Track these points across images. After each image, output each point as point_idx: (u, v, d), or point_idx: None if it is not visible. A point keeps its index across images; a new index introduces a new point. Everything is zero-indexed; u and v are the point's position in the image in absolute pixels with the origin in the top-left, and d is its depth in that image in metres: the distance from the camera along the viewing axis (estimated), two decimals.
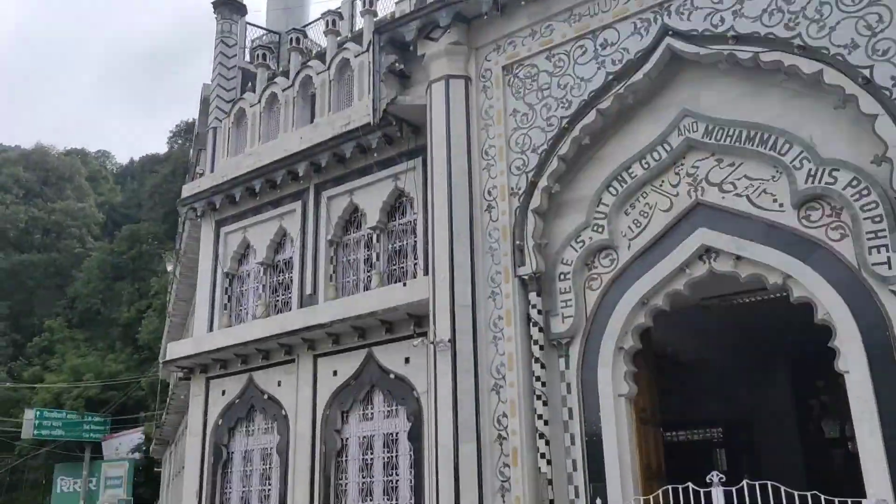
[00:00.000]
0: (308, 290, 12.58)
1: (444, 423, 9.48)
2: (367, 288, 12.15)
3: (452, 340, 9.70)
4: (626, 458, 8.82)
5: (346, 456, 11.48)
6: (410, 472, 10.68)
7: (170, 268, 26.12)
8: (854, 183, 7.74)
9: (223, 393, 13.26)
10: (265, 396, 12.63)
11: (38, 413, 50.12)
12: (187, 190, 14.72)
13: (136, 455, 50.20)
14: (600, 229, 9.42)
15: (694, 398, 13.51)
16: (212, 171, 14.73)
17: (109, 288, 66.56)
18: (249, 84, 15.51)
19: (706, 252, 8.74)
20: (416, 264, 11.64)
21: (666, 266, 8.94)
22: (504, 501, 9.07)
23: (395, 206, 12.22)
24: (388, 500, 10.83)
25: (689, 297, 9.18)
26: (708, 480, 7.38)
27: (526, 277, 9.70)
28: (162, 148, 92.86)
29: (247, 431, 13.01)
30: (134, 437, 51.51)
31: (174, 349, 13.80)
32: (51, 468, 53.54)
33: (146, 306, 55.57)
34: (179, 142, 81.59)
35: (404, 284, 10.90)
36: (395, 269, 12.01)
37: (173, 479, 21.96)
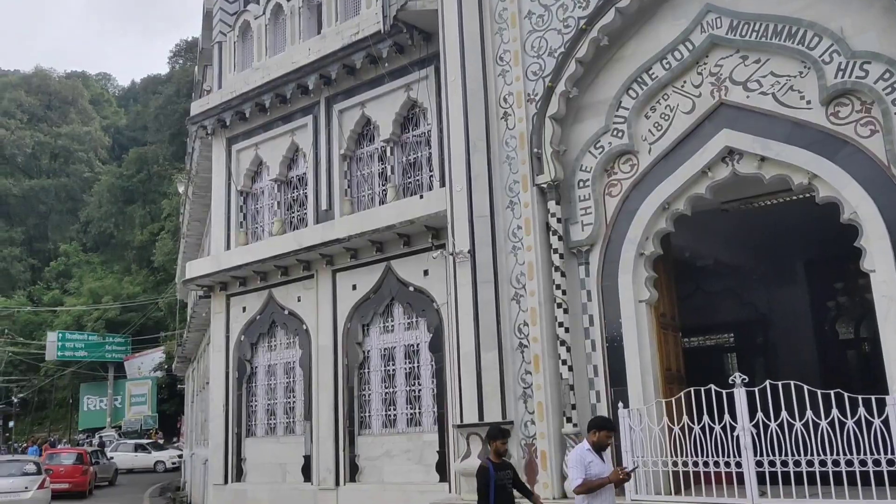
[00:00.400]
0: (323, 206, 12.52)
1: (466, 333, 9.57)
2: (382, 202, 12.08)
3: (472, 251, 9.67)
4: (647, 363, 8.90)
5: (369, 368, 11.67)
6: (432, 381, 10.87)
7: (181, 189, 26.06)
8: (886, 76, 7.47)
9: (244, 309, 13.41)
10: (286, 312, 12.76)
11: (60, 335, 51.33)
12: (196, 107, 14.48)
13: (158, 373, 51.52)
14: (620, 134, 9.21)
15: (711, 303, 13.55)
16: (219, 87, 14.44)
17: (121, 211, 66.85)
18: None
19: (729, 154, 8.55)
20: (431, 176, 11.51)
21: (688, 169, 8.77)
22: (526, 407, 9.24)
23: (408, 117, 11.99)
24: (410, 408, 11.07)
25: (710, 201, 9.05)
26: (731, 381, 7.45)
27: (544, 186, 9.56)
28: (163, 68, 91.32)
29: (269, 346, 13.22)
30: (155, 356, 52.77)
31: (193, 268, 13.88)
32: (77, 388, 55.22)
33: (159, 229, 55.94)
34: (181, 61, 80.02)
35: (421, 197, 10.80)
36: (410, 182, 11.89)
37: (197, 395, 22.56)
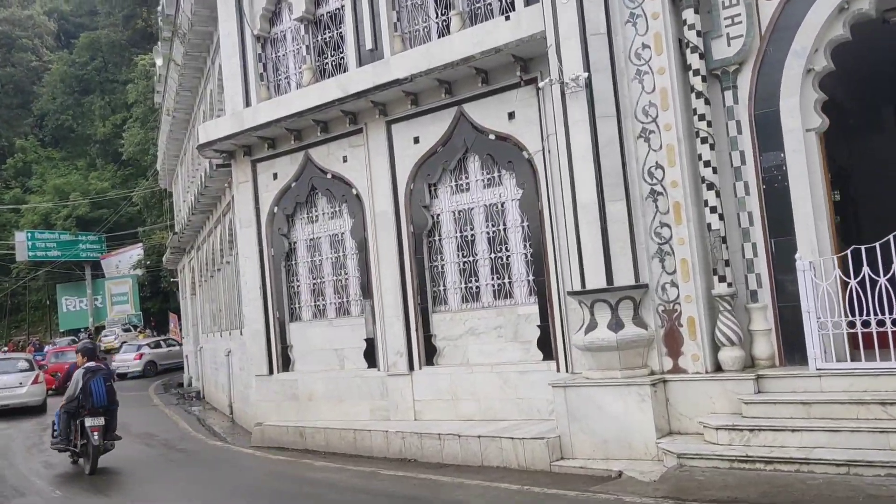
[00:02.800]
0: (368, 45, 10.33)
1: (584, 181, 7.78)
2: (442, 34, 9.93)
3: (588, 79, 7.73)
4: (820, 206, 7.28)
5: (440, 234, 9.90)
6: (525, 244, 9.15)
7: (158, 61, 23.18)
8: None
9: (275, 176, 11.40)
10: (328, 176, 10.79)
11: (29, 235, 48.71)
12: None
13: (138, 271, 49.49)
14: None
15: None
16: None
17: (78, 103, 62.49)
18: None
19: None
20: None
21: None
22: (663, 266, 7.61)
23: None
24: (497, 278, 9.40)
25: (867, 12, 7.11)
26: None
27: None
28: None
29: (309, 217, 11.32)
30: (133, 253, 50.54)
31: (209, 130, 11.70)
32: (52, 289, 53.05)
33: (123, 119, 52.32)
34: None
35: (507, 18, 8.68)
36: (478, 9, 9.72)
37: (204, 283, 20.76)
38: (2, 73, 65.35)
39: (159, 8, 25.22)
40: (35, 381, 19.88)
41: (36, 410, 19.28)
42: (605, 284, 7.67)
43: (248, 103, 11.70)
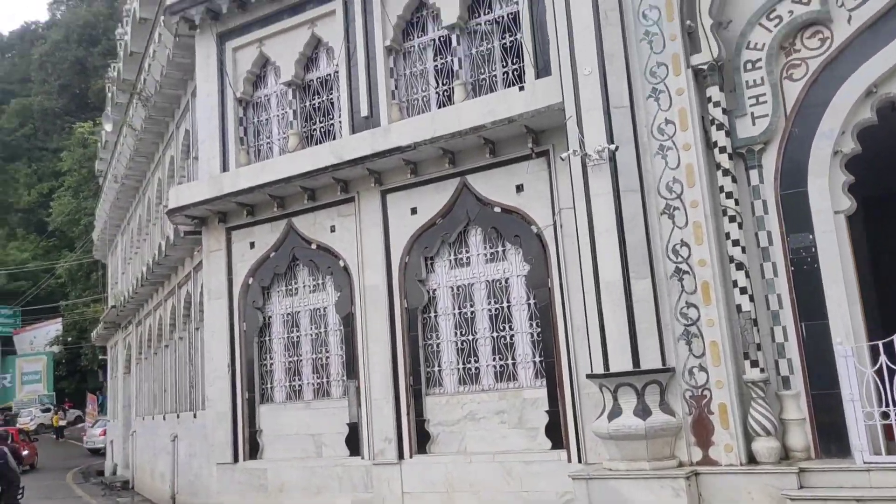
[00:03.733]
0: (363, 112, 9.92)
1: (608, 257, 7.39)
2: (442, 104, 9.64)
3: (613, 151, 7.46)
4: (852, 289, 7.04)
5: (435, 310, 9.29)
6: (531, 323, 8.64)
7: (108, 128, 22.20)
8: None
9: (251, 245, 10.65)
10: (313, 246, 10.13)
11: None
12: None
13: (55, 348, 46.59)
14: None
15: None
16: None
17: (2, 170, 60.01)
18: None
19: None
20: (516, 70, 9.18)
21: None
22: (690, 349, 7.20)
23: None
24: (500, 359, 8.81)
25: None
26: None
27: (703, 68, 7.48)
28: (42, 15, 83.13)
29: (288, 290, 10.54)
30: (50, 328, 47.73)
31: (182, 194, 10.92)
32: None
33: (51, 188, 50.28)
34: (62, 8, 72.84)
35: (521, 88, 8.43)
36: (483, 80, 9.49)
37: (141, 363, 19.29)
38: None
39: (111, 73, 24.45)
40: None
41: None
42: (630, 367, 7.19)
43: (225, 168, 11.03)
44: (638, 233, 7.41)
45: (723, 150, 7.43)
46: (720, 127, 7.46)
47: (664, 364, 7.18)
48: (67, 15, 64.64)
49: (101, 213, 24.98)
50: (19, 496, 10.77)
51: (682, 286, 7.35)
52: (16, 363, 47.94)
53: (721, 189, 7.40)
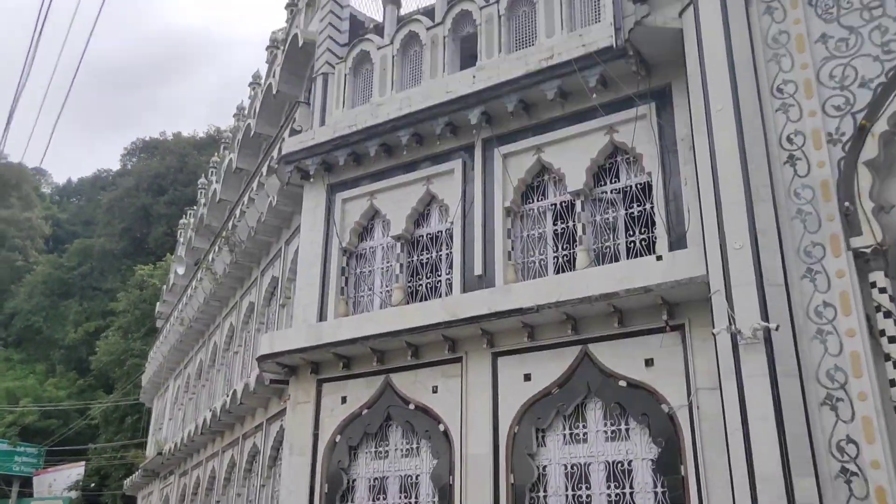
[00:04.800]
0: (477, 270, 9.65)
1: (764, 449, 6.65)
2: (561, 269, 9.36)
3: (769, 330, 6.95)
4: None
5: (545, 490, 8.45)
6: None
7: (180, 270, 22.47)
8: None
9: (343, 400, 10.07)
10: (410, 406, 9.51)
11: None
12: (293, 144, 11.66)
13: (73, 493, 44.70)
14: None
15: None
16: (322, 124, 11.77)
17: (54, 306, 61.05)
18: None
19: None
20: (643, 240, 8.92)
21: None
22: None
23: (606, 166, 9.52)
24: None
25: None
26: None
27: (867, 251, 7.10)
28: (114, 164, 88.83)
29: (377, 453, 9.80)
30: (73, 472, 46.01)
31: (276, 341, 10.53)
32: None
33: (97, 327, 50.63)
34: (134, 159, 77.37)
35: (659, 258, 8.12)
36: (607, 248, 9.23)
37: None
38: None
39: (186, 219, 25.18)
40: None
41: None
42: None
43: (322, 317, 10.71)
44: (799, 424, 6.69)
45: (892, 339, 6.87)
46: (888, 315, 6.95)
47: None
48: (139, 165, 68.41)
49: (155, 356, 24.68)
50: None
51: (851, 490, 6.51)
52: None
53: (892, 382, 6.77)
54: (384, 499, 9.53)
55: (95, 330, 50.82)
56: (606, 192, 9.45)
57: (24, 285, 64.78)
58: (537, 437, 8.66)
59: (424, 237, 10.70)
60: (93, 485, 39.10)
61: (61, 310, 59.93)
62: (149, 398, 27.38)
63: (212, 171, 22.91)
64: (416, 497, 9.31)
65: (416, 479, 9.38)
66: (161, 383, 25.00)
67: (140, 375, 30.72)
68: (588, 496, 8.20)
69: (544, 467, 8.54)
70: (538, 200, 9.94)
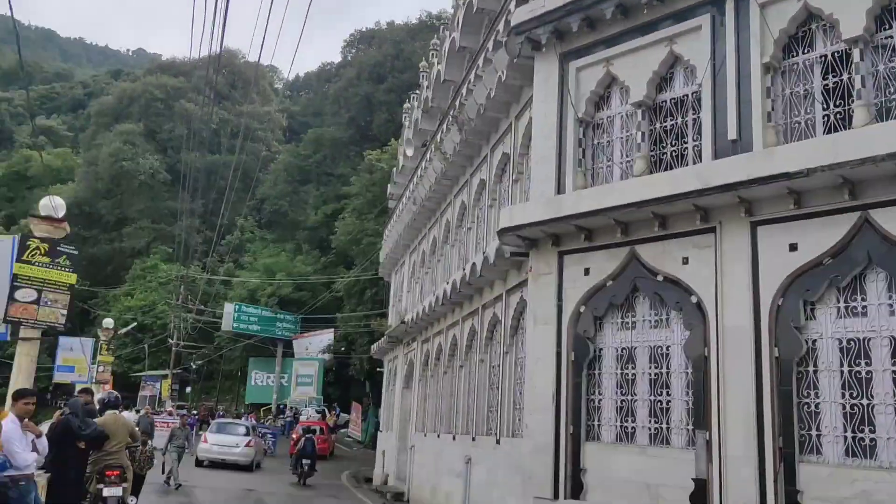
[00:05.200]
0: (730, 135, 8.95)
1: None
2: (832, 129, 8.39)
3: None
4: None
5: (815, 364, 7.98)
6: None
7: (409, 152, 23.44)
8: None
9: (586, 272, 10.08)
10: (659, 278, 9.30)
11: (237, 307, 51.17)
12: (523, 14, 11.30)
13: (326, 356, 50.33)
14: None
15: None
16: None
17: (295, 191, 67.17)
18: None
19: None
20: None
21: None
22: None
23: (891, 7, 8.19)
24: None
25: None
26: None
27: None
28: (335, 57, 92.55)
29: (623, 323, 9.81)
30: (324, 338, 51.62)
31: (516, 214, 10.70)
32: (245, 360, 55.16)
33: (334, 210, 54.94)
34: (353, 51, 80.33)
35: None
36: (893, 102, 8.08)
37: (426, 380, 19.76)
38: (237, 159, 72.04)
39: (410, 103, 25.92)
40: (248, 445, 25.32)
41: (246, 468, 24.76)
42: None
43: (560, 190, 10.63)
44: None
45: None
46: None
47: None
48: (359, 56, 71.15)
49: (391, 234, 26.36)
50: (314, 472, 21.61)
51: None
52: (293, 365, 52.61)
53: None
54: (633, 367, 9.58)
55: (333, 212, 55.30)
56: (892, 37, 8.17)
57: (269, 173, 71.74)
58: (805, 310, 8.10)
59: (668, 102, 10.05)
60: (342, 349, 43.70)
61: (301, 194, 65.86)
62: (387, 272, 29.56)
63: (432, 54, 23.17)
64: (667, 367, 9.24)
65: (667, 350, 9.27)
66: (398, 259, 26.80)
67: (376, 252, 33.19)
68: (869, 372, 7.61)
69: (814, 341, 8.02)
70: (804, 53, 8.86)
